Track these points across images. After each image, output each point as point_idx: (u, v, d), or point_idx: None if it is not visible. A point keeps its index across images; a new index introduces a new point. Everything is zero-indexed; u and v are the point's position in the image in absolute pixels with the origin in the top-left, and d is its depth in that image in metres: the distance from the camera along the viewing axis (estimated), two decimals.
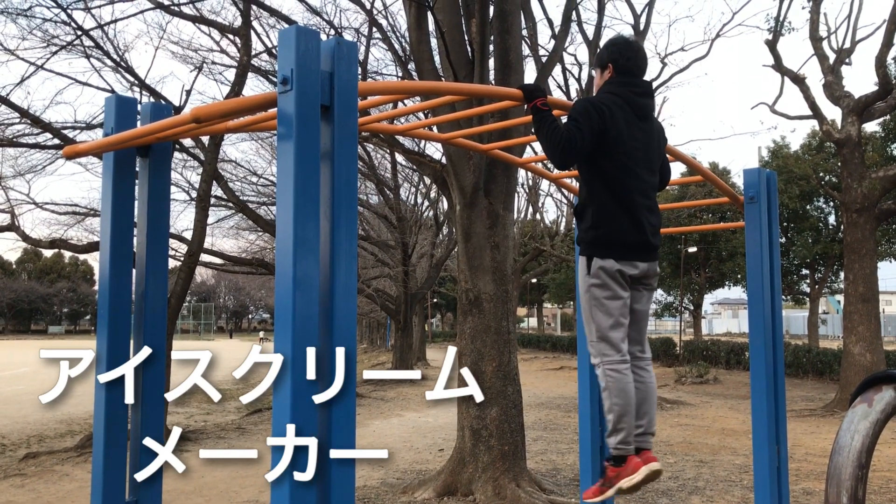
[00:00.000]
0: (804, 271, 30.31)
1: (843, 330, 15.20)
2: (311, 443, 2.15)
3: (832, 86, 15.39)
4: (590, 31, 16.12)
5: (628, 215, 3.24)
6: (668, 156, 3.75)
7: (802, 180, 25.33)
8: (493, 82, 8.17)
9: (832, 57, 15.78)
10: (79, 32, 11.89)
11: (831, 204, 26.90)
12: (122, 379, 2.93)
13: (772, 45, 16.28)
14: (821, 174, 25.29)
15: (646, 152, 3.34)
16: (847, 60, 15.83)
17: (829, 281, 29.79)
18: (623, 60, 3.36)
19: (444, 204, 23.13)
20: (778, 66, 16.43)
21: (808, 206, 27.29)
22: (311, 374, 2.16)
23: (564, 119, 3.26)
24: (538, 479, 7.99)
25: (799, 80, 16.10)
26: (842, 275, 22.86)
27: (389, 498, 7.87)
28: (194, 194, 14.04)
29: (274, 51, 13.33)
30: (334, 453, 2.21)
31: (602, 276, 3.24)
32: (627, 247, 3.26)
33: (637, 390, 3.26)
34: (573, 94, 17.11)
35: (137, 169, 3.08)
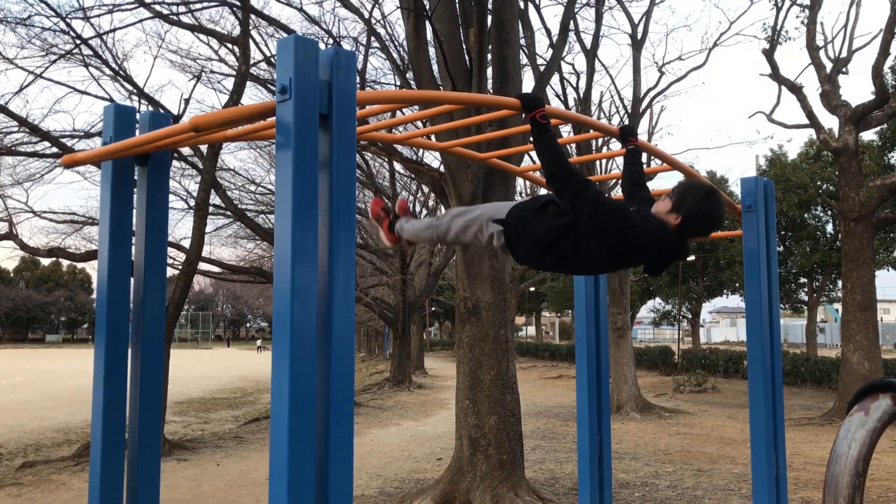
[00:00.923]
0: (802, 280, 30.32)
1: (842, 338, 15.20)
2: (309, 452, 2.14)
3: (829, 95, 15.44)
4: (587, 41, 16.19)
5: (554, 265, 3.34)
6: (665, 165, 3.75)
7: (800, 189, 25.38)
8: (491, 91, 8.19)
9: (829, 66, 15.85)
10: (78, 41, 11.92)
11: (829, 213, 26.94)
12: (119, 388, 2.93)
13: (769, 54, 16.35)
14: (818, 183, 25.33)
15: (619, 262, 3.23)
16: (844, 69, 15.90)
17: (827, 289, 29.80)
18: (689, 225, 3.09)
19: (443, 212, 23.15)
20: (775, 75, 16.50)
21: (805, 215, 27.33)
22: (308, 382, 2.15)
23: (566, 127, 3.26)
24: (536, 488, 7.97)
25: (796, 90, 16.16)
26: (840, 283, 22.88)
27: None
28: (193, 203, 14.05)
29: (272, 60, 13.37)
30: (332, 462, 2.20)
31: (488, 238, 3.39)
32: (524, 260, 3.44)
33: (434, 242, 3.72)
34: (571, 102, 17.15)
35: (136, 177, 3.08)
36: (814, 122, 15.91)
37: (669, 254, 3.15)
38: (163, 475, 3.11)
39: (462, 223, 3.46)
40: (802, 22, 15.94)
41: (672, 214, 3.08)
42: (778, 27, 16.32)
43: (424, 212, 25.00)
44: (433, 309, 54.17)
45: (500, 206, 3.44)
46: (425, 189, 22.48)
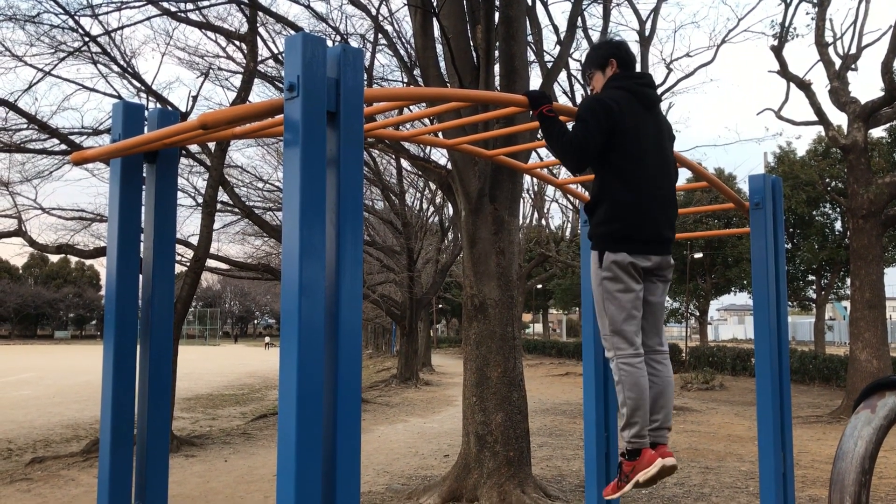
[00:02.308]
0: (810, 277, 30.24)
1: (850, 336, 15.15)
2: (317, 448, 2.15)
3: (838, 91, 15.37)
4: (595, 38, 16.14)
5: (642, 208, 3.24)
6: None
7: (808, 186, 25.29)
8: (498, 88, 8.19)
9: (838, 63, 15.78)
10: (86, 39, 11.96)
11: (837, 210, 26.86)
12: (128, 384, 2.94)
13: (777, 51, 16.28)
14: (827, 180, 25.24)
15: (657, 143, 3.34)
16: (853, 66, 15.82)
17: (835, 287, 29.71)
18: (623, 54, 3.44)
19: (450, 210, 23.15)
20: (784, 72, 16.43)
21: (814, 212, 27.25)
22: (316, 379, 2.16)
23: (571, 125, 3.26)
24: (543, 486, 7.98)
25: (805, 86, 16.10)
26: (848, 281, 22.79)
27: None
28: (200, 200, 14.09)
29: (280, 57, 13.38)
30: (340, 459, 2.21)
31: (614, 269, 3.22)
32: (641, 240, 3.25)
33: (653, 384, 3.27)
34: (578, 99, 17.13)
35: (144, 175, 3.09)
36: (822, 118, 15.85)
37: (644, 83, 3.40)
38: (171, 471, 3.12)
39: (608, 319, 3.27)
40: (812, 18, 15.87)
41: (607, 69, 3.44)
42: (786, 24, 16.26)
43: (431, 209, 25.01)
44: (440, 306, 54.23)
45: (594, 273, 3.40)
46: (432, 186, 22.48)
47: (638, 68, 3.58)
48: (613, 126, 3.17)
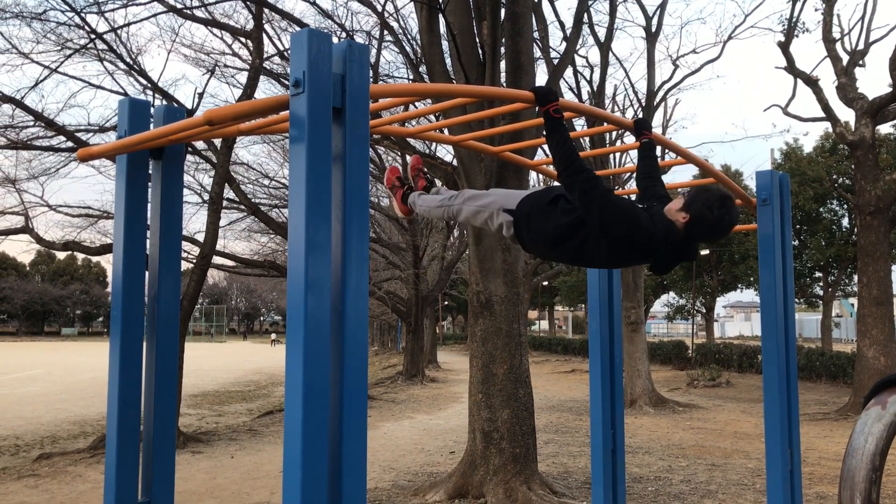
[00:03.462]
0: (817, 274, 30.16)
1: (857, 333, 15.10)
2: (323, 445, 2.15)
3: (846, 87, 15.31)
4: (601, 34, 16.12)
5: (562, 257, 3.43)
6: (679, 159, 3.73)
7: (815, 182, 25.21)
8: (504, 84, 8.17)
9: (846, 59, 15.71)
10: (92, 36, 11.97)
11: (845, 206, 26.76)
12: (134, 381, 2.94)
13: (784, 46, 16.22)
14: (834, 176, 25.16)
15: (628, 257, 3.25)
16: (861, 62, 15.75)
17: (842, 284, 29.62)
18: (699, 227, 3.10)
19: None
20: (791, 68, 16.37)
21: (821, 209, 27.17)
22: (322, 376, 2.16)
23: (580, 120, 3.24)
24: (549, 482, 7.98)
25: (812, 82, 16.03)
26: (855, 278, 22.72)
27: (401, 500, 7.87)
28: (207, 197, 14.11)
29: (286, 54, 13.39)
30: (346, 455, 2.21)
31: (498, 227, 3.45)
32: (532, 250, 3.52)
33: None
34: (584, 95, 17.09)
35: (150, 171, 3.09)
36: (830, 115, 15.79)
37: (676, 255, 3.17)
38: (177, 467, 3.13)
39: (474, 208, 3.50)
40: (821, 12, 15.80)
41: (682, 213, 3.09)
42: (794, 19, 16.19)
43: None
44: (446, 303, 54.25)
45: (511, 194, 3.46)
46: (438, 183, 22.46)
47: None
48: (612, 227, 3.03)
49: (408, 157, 19.83)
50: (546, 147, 3.19)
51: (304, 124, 2.18)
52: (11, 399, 19.50)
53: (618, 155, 18.52)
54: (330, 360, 2.19)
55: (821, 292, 30.58)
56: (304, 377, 2.11)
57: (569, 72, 16.23)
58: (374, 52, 14.31)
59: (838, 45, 15.80)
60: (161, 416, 2.97)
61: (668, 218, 3.11)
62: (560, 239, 3.22)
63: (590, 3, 13.88)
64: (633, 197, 3.84)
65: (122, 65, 12.84)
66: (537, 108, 3.14)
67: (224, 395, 21.02)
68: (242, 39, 13.47)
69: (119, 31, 12.52)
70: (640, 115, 17.35)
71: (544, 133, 3.12)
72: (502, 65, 8.32)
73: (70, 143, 12.39)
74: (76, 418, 15.79)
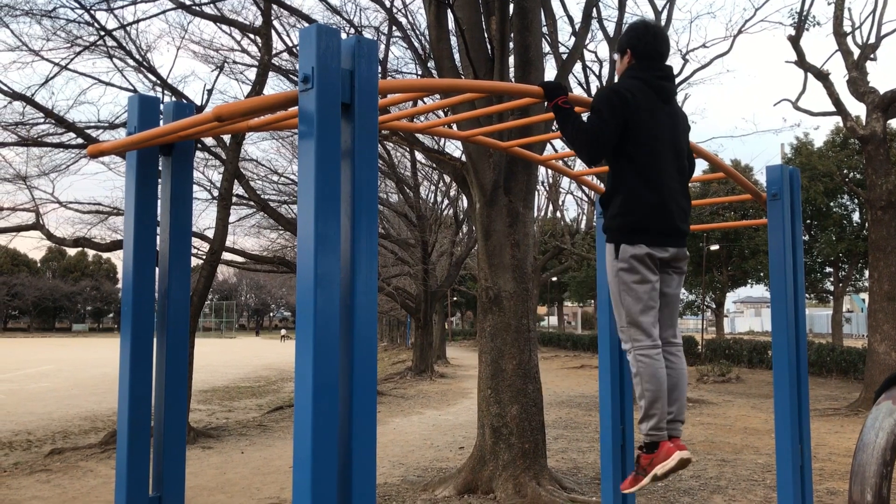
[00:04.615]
0: (828, 269, 30.03)
1: (868, 328, 15.03)
2: (333, 440, 2.16)
3: (857, 81, 15.21)
4: (610, 28, 16.05)
5: (657, 200, 3.22)
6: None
7: (826, 177, 25.09)
8: (513, 80, 8.15)
9: (857, 52, 15.61)
10: (102, 33, 12.01)
11: (855, 201, 26.62)
12: (145, 376, 2.96)
13: (795, 40, 16.12)
14: (845, 171, 25.03)
15: (672, 135, 3.33)
16: (872, 56, 15.65)
17: (853, 279, 29.49)
18: (642, 45, 3.36)
19: (464, 202, 23.13)
20: (801, 62, 16.28)
21: (831, 204, 27.03)
22: (332, 371, 2.16)
23: (587, 116, 3.24)
24: (559, 478, 7.97)
25: (823, 77, 15.94)
26: (866, 273, 22.60)
27: (410, 495, 7.89)
28: (216, 193, 14.13)
29: (294, 50, 13.39)
30: (355, 450, 2.22)
31: (631, 261, 3.21)
32: (657, 231, 3.23)
33: (668, 376, 3.24)
34: (593, 90, 17.05)
35: (160, 168, 3.10)
36: (840, 109, 15.69)
37: (659, 76, 3.35)
38: (188, 463, 3.14)
39: (625, 312, 3.24)
40: (832, 7, 15.70)
41: (623, 59, 3.40)
42: (804, 13, 16.09)
43: (445, 201, 25.01)
44: (455, 299, 54.24)
45: (609, 265, 3.40)
46: (447, 179, 22.46)
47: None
48: (629, 117, 3.15)
49: (417, 154, 19.81)
50: (556, 142, 3.19)
51: (313, 120, 2.18)
52: (23, 395, 19.61)
53: None
54: (339, 355, 2.20)
55: (831, 287, 30.45)
56: (313, 373, 2.12)
57: (578, 66, 16.18)
58: (382, 47, 14.30)
59: (849, 39, 15.70)
60: (171, 411, 2.98)
61: (623, 70, 3.40)
62: (624, 185, 3.27)
63: None
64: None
65: (131, 62, 12.87)
66: (546, 103, 3.14)
67: (234, 391, 21.09)
68: (251, 36, 13.48)
69: (128, 28, 12.55)
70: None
71: (555, 128, 3.12)
72: (511, 60, 8.30)
73: (80, 140, 12.44)
74: (87, 414, 15.87)
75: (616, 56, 3.47)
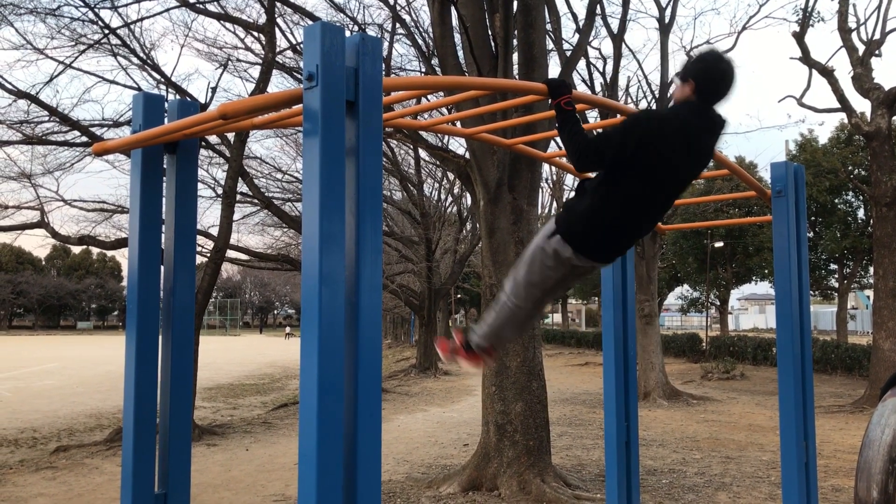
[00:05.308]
0: (832, 266, 29.94)
1: (873, 325, 15.00)
2: (338, 437, 2.16)
3: (861, 78, 15.17)
4: (614, 25, 16.04)
5: (619, 227, 3.17)
6: None
7: (831, 174, 25.03)
8: (516, 77, 8.15)
9: (861, 49, 15.56)
10: (106, 31, 12.03)
11: (860, 198, 26.55)
12: (150, 374, 2.96)
13: (799, 37, 16.09)
14: (850, 168, 24.96)
15: (676, 182, 3.20)
16: (877, 52, 15.60)
17: (858, 276, 29.41)
18: (705, 84, 3.11)
19: (468, 199, 23.14)
20: (805, 58, 16.24)
21: (836, 200, 26.96)
22: (336, 368, 2.17)
23: (594, 113, 3.23)
24: (563, 475, 7.98)
25: (827, 73, 15.90)
26: (871, 269, 22.55)
27: (415, 492, 7.90)
28: (220, 191, 14.15)
29: (298, 47, 13.41)
30: (360, 447, 2.22)
31: (554, 253, 3.19)
32: (595, 250, 3.19)
33: (515, 328, 3.46)
34: (597, 87, 17.03)
35: (165, 166, 3.11)
36: (845, 105, 15.65)
37: (711, 125, 3.16)
38: (193, 460, 3.15)
39: (522, 273, 3.29)
40: (836, 3, 15.66)
41: (685, 86, 3.13)
42: (809, 9, 16.05)
43: (449, 199, 25.01)
44: (459, 296, 54.23)
45: (541, 230, 3.37)
46: (451, 176, 22.46)
47: (720, 100, 3.20)
48: (641, 151, 2.99)
49: (420, 151, 19.82)
50: (559, 140, 3.16)
51: (317, 118, 2.19)
52: (29, 392, 19.67)
53: None
54: (344, 352, 2.20)
55: (836, 284, 30.36)
56: (318, 370, 2.12)
57: (582, 63, 16.17)
58: (386, 45, 14.31)
59: (854, 35, 15.66)
60: (177, 408, 2.99)
61: (680, 99, 3.16)
62: (597, 203, 3.11)
63: None
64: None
65: (135, 60, 12.89)
66: (550, 101, 3.13)
67: (239, 388, 21.13)
68: (255, 33, 13.49)
69: (132, 26, 12.58)
70: (654, 108, 17.28)
71: (556, 126, 3.10)
72: (515, 57, 8.30)
73: (85, 138, 12.46)
74: (92, 411, 15.91)
75: (677, 79, 3.21)
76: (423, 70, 14.09)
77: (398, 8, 12.58)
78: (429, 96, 10.11)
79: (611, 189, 3.10)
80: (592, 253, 3.18)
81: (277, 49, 12.58)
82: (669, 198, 3.26)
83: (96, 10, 11.63)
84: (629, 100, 19.40)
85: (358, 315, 2.26)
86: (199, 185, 14.93)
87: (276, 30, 12.37)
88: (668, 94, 17.36)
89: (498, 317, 3.37)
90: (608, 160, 3.01)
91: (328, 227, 2.17)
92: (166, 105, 3.15)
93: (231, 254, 15.24)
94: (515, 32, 8.10)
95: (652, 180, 3.08)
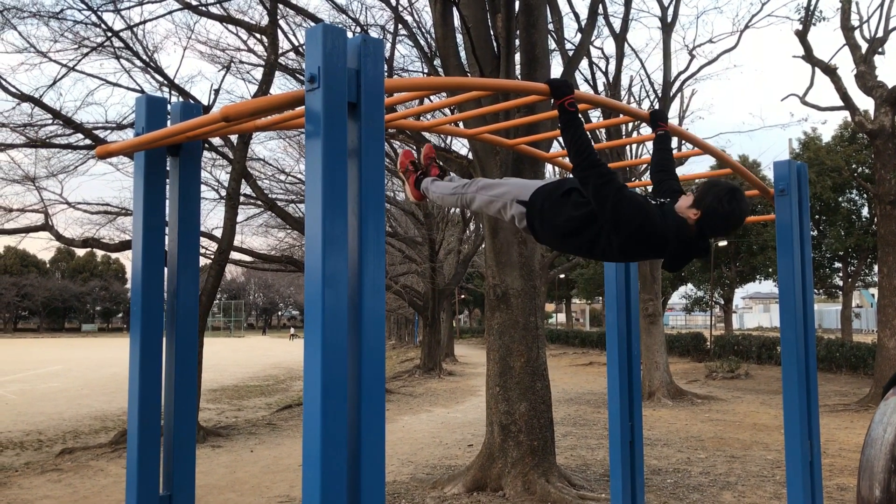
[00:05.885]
0: (837, 264, 29.89)
1: (878, 324, 14.97)
2: (342, 438, 2.16)
3: (865, 76, 15.14)
4: (616, 25, 16.03)
5: (576, 250, 3.36)
6: (696, 150, 3.71)
7: (834, 172, 24.98)
8: (519, 77, 8.15)
9: (864, 46, 15.53)
10: (109, 34, 12.06)
11: (864, 196, 26.50)
12: (155, 376, 2.97)
13: (802, 35, 16.06)
14: (853, 166, 24.91)
15: (636, 256, 3.34)
16: (880, 50, 15.57)
17: (862, 274, 29.34)
18: (710, 219, 3.07)
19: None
20: (808, 56, 16.21)
21: (840, 199, 26.90)
22: (340, 369, 2.17)
23: (596, 112, 3.23)
24: (568, 475, 7.97)
25: (830, 71, 15.87)
26: (875, 268, 22.50)
27: (419, 493, 7.90)
28: (224, 193, 14.17)
29: (301, 49, 13.42)
30: (364, 448, 2.22)
31: (511, 218, 3.46)
32: (543, 242, 3.56)
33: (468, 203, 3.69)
34: (600, 87, 17.02)
35: (168, 168, 3.11)
36: (848, 103, 15.62)
37: (688, 251, 3.17)
38: (198, 461, 3.16)
39: (487, 197, 3.52)
40: (839, 1, 15.62)
41: (692, 210, 3.09)
42: (811, 8, 16.02)
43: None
44: (462, 296, 54.24)
45: (525, 185, 3.47)
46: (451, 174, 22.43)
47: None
48: (625, 222, 3.02)
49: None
50: (562, 139, 3.16)
51: (319, 119, 2.19)
52: (34, 395, 19.71)
53: (634, 146, 18.44)
54: (348, 354, 2.21)
55: (840, 283, 30.31)
56: (322, 371, 2.12)
57: (584, 63, 16.16)
58: (388, 46, 14.32)
59: (857, 33, 15.63)
60: (181, 410, 2.99)
61: (680, 215, 3.11)
62: (572, 232, 3.24)
63: None
64: (648, 189, 3.83)
65: (138, 62, 12.92)
66: (552, 101, 3.12)
67: (243, 390, 21.15)
68: (257, 35, 13.51)
69: (135, 29, 12.60)
70: (657, 106, 17.27)
71: (559, 126, 3.10)
72: (517, 57, 8.30)
73: (88, 141, 12.49)
74: (97, 413, 15.94)
75: (690, 197, 3.15)
76: (426, 71, 14.10)
77: (400, 9, 12.60)
78: (431, 97, 10.12)
79: (587, 220, 3.18)
80: (538, 239, 3.50)
81: (280, 51, 12.60)
82: (627, 258, 3.41)
83: (99, 13, 11.67)
84: (632, 99, 19.40)
85: (361, 316, 2.26)
86: (203, 187, 14.97)
87: (279, 31, 12.39)
88: (671, 94, 17.35)
89: (452, 195, 3.69)
90: (597, 184, 3.04)
91: (331, 228, 2.17)
92: (169, 107, 3.16)
93: (235, 255, 15.26)
94: (517, 33, 8.10)
95: (617, 243, 3.15)
